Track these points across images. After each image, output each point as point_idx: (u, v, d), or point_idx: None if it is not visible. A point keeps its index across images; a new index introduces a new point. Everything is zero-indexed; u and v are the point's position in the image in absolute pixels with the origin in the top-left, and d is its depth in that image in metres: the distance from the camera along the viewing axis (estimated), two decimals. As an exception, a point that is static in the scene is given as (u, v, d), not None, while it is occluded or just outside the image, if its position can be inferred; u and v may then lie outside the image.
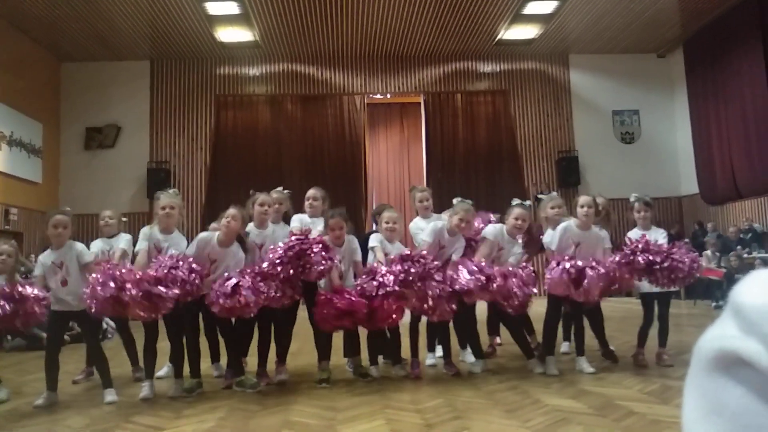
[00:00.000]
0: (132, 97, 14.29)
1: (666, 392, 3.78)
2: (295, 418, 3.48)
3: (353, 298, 4.21)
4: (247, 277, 4.11)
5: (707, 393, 0.43)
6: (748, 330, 0.41)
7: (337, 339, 4.66)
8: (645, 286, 4.79)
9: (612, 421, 3.19)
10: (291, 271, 4.14)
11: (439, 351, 5.05)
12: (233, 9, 11.74)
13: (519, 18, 12.60)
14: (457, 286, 4.29)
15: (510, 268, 4.47)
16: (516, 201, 4.87)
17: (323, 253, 4.21)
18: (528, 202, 4.92)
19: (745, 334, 0.41)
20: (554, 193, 5.45)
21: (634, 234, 4.84)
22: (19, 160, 12.26)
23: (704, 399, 0.43)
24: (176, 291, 3.91)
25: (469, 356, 5.07)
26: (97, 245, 5.00)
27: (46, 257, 4.26)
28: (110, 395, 4.11)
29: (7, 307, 3.97)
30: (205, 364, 4.67)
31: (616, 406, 3.49)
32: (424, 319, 4.75)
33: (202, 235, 4.52)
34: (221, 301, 4.01)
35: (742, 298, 0.43)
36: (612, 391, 3.87)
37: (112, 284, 3.79)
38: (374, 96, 15.37)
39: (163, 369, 4.87)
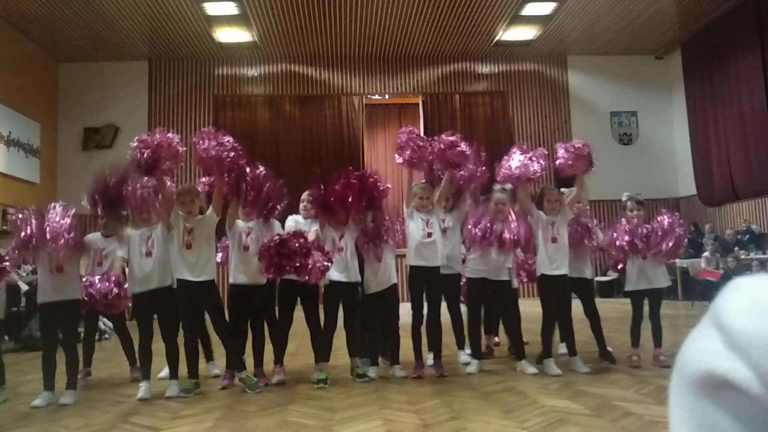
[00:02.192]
0: (130, 97, 14.28)
1: (663, 393, 3.78)
2: (292, 418, 3.48)
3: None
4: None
5: (695, 411, 0.43)
6: (736, 351, 0.41)
7: (337, 340, 4.66)
8: (632, 282, 4.85)
9: (609, 421, 3.19)
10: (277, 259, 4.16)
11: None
12: (232, 9, 11.74)
13: (517, 19, 12.62)
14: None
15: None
16: (498, 186, 4.97)
17: (319, 253, 4.23)
18: (509, 186, 4.98)
19: (732, 354, 0.41)
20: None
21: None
22: (16, 160, 12.25)
23: (693, 415, 0.43)
24: None
25: (464, 357, 5.07)
26: (92, 241, 5.00)
27: None
28: (68, 397, 4.08)
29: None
30: (201, 364, 4.67)
31: (613, 406, 3.50)
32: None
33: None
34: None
35: (729, 319, 0.42)
36: (609, 392, 3.88)
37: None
38: (372, 97, 15.38)
39: (165, 370, 4.86)
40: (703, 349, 0.43)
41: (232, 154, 4.32)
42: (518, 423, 3.20)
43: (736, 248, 10.80)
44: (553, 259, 4.67)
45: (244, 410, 3.72)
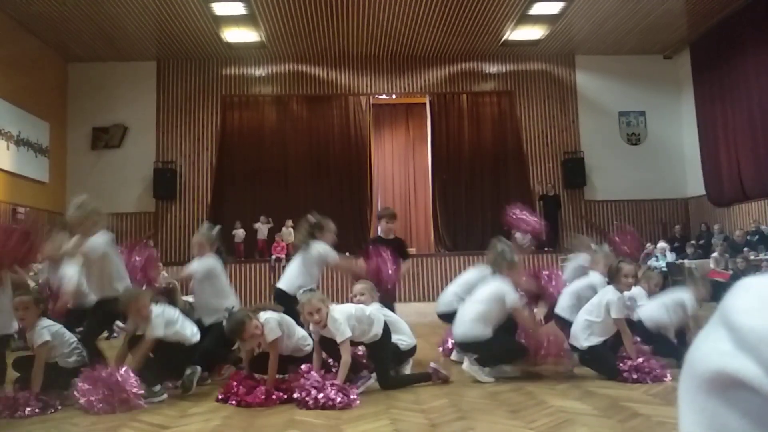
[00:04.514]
0: (138, 97, 14.35)
1: (671, 394, 3.76)
2: (300, 417, 3.48)
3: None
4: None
5: (705, 411, 0.42)
6: (744, 349, 0.41)
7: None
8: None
9: (617, 422, 3.18)
10: None
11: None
12: (239, 9, 11.78)
13: (525, 19, 12.60)
14: None
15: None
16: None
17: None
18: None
19: (741, 353, 0.41)
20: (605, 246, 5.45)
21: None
22: (26, 159, 12.33)
23: (702, 416, 0.43)
24: None
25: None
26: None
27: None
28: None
29: None
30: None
31: (621, 407, 3.48)
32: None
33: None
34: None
35: (738, 317, 0.42)
36: (617, 393, 3.86)
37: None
38: (380, 96, 15.40)
39: None
40: (712, 349, 0.43)
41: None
42: (526, 423, 3.19)
43: (745, 249, 10.73)
44: None
45: (252, 408, 3.73)
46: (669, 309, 4.68)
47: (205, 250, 4.74)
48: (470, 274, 5.32)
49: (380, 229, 5.82)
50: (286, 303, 4.39)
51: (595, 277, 4.99)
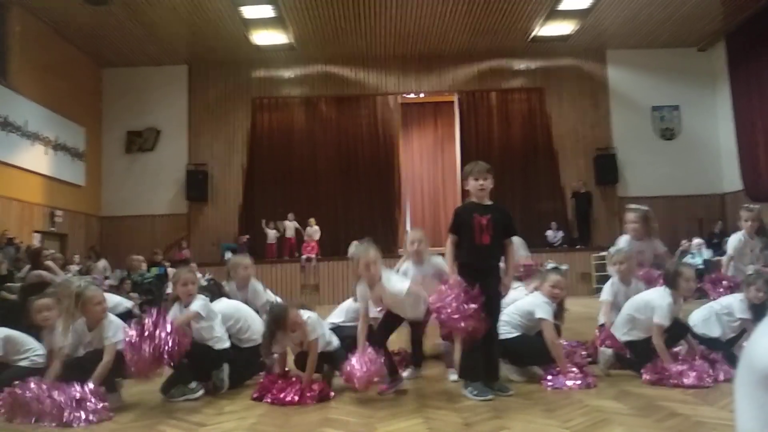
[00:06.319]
0: (171, 101, 14.61)
1: (710, 393, 3.69)
2: (334, 415, 3.51)
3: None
4: None
5: (765, 407, 0.42)
6: None
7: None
8: None
9: (654, 422, 3.13)
10: None
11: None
12: (268, 12, 11.90)
13: (554, 14, 12.46)
14: None
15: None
16: (551, 265, 4.80)
17: None
18: (565, 267, 4.91)
19: None
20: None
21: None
22: (63, 163, 12.65)
23: (762, 411, 0.42)
24: None
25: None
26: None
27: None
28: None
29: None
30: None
31: (658, 406, 3.42)
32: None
33: None
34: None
35: None
36: (654, 392, 3.80)
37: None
38: (408, 96, 15.41)
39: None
40: None
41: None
42: (561, 422, 3.16)
43: (785, 245, 10.44)
44: None
45: (286, 407, 3.77)
46: (718, 314, 4.53)
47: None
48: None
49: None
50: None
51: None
